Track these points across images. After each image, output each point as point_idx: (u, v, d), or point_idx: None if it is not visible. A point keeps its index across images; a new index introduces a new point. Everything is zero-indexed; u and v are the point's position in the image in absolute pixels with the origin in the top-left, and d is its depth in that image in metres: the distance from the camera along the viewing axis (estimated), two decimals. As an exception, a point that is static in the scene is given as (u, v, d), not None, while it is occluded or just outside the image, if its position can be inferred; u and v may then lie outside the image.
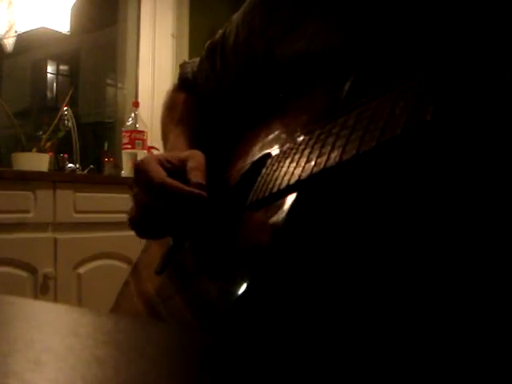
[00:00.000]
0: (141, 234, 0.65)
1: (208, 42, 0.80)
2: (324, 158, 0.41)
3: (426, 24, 0.45)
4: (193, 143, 0.73)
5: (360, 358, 0.29)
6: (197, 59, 0.83)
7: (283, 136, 0.54)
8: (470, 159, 0.37)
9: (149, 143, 2.44)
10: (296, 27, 0.60)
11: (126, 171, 2.36)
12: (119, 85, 3.12)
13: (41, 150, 2.20)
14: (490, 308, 0.36)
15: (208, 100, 0.80)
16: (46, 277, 1.87)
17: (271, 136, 0.57)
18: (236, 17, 0.73)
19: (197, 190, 0.58)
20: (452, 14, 0.43)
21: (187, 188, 0.59)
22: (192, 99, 0.81)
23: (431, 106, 0.32)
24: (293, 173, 0.45)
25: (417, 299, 0.38)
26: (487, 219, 0.36)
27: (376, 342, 0.39)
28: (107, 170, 2.58)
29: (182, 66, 0.87)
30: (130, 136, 2.37)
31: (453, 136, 0.36)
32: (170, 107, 0.84)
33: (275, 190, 0.47)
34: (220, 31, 0.78)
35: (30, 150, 2.17)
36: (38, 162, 2.14)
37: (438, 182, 0.38)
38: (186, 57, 2.84)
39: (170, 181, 0.59)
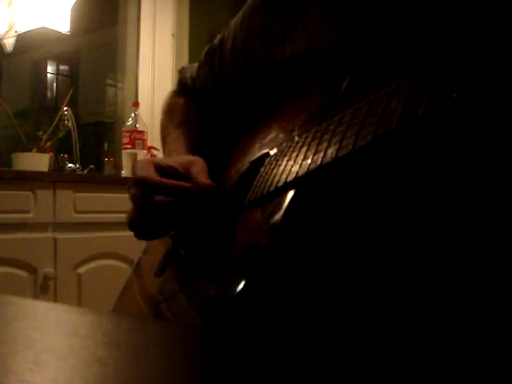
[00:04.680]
0: (138, 234, 0.65)
1: (206, 47, 0.80)
2: (321, 155, 0.41)
3: (423, 18, 0.45)
4: (191, 147, 0.74)
5: (357, 358, 0.29)
6: (195, 64, 0.83)
7: (281, 136, 0.54)
8: (469, 156, 0.37)
9: (149, 143, 2.44)
10: (296, 27, 0.60)
11: (126, 171, 2.36)
12: (119, 85, 3.12)
13: (41, 150, 2.20)
14: (490, 307, 0.36)
15: (207, 104, 0.80)
16: (45, 277, 1.87)
17: (270, 136, 0.57)
18: (234, 21, 0.74)
19: (206, 184, 0.60)
20: (447, 10, 0.43)
21: (178, 182, 0.61)
22: (191, 104, 0.82)
23: (424, 100, 0.32)
24: (290, 170, 0.45)
25: (415, 298, 0.38)
26: (487, 217, 0.36)
27: (372, 340, 0.39)
28: (107, 170, 2.58)
29: (181, 71, 0.87)
30: (130, 136, 2.37)
31: (450, 131, 0.35)
32: (169, 111, 0.84)
33: (273, 188, 0.47)
34: (218, 36, 0.78)
35: (30, 150, 2.17)
36: (37, 161, 2.14)
37: (437, 178, 0.38)
38: (185, 57, 2.84)
39: (161, 179, 0.60)
